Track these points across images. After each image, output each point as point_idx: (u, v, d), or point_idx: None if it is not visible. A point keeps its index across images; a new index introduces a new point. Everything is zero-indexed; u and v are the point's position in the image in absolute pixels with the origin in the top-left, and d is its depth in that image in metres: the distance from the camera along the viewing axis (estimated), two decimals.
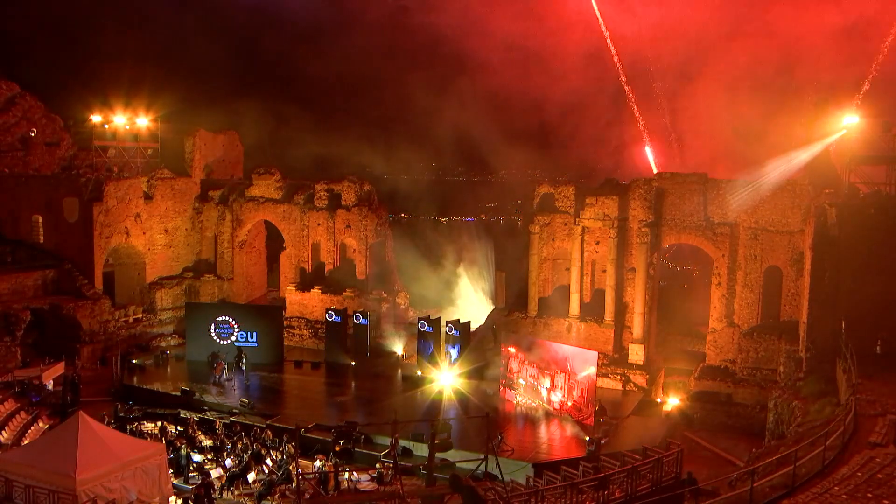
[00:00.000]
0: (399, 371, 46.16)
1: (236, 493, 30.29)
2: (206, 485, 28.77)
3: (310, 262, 53.10)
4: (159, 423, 37.42)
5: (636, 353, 43.51)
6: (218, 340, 47.39)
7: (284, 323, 50.18)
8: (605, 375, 42.26)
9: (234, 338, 47.41)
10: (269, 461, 32.53)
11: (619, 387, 42.79)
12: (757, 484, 18.68)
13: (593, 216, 44.47)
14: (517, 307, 47.03)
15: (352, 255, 52.54)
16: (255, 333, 47.50)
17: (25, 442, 31.90)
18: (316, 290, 52.01)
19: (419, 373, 44.41)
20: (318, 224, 52.54)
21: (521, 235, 48.41)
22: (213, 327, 47.65)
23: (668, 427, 37.64)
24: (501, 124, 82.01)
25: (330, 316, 47.91)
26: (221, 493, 30.38)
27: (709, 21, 67.45)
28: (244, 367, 44.31)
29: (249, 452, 33.37)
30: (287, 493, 29.57)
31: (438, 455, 29.30)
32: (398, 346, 47.90)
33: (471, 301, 60.15)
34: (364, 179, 53.68)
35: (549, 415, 38.42)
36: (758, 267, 41.59)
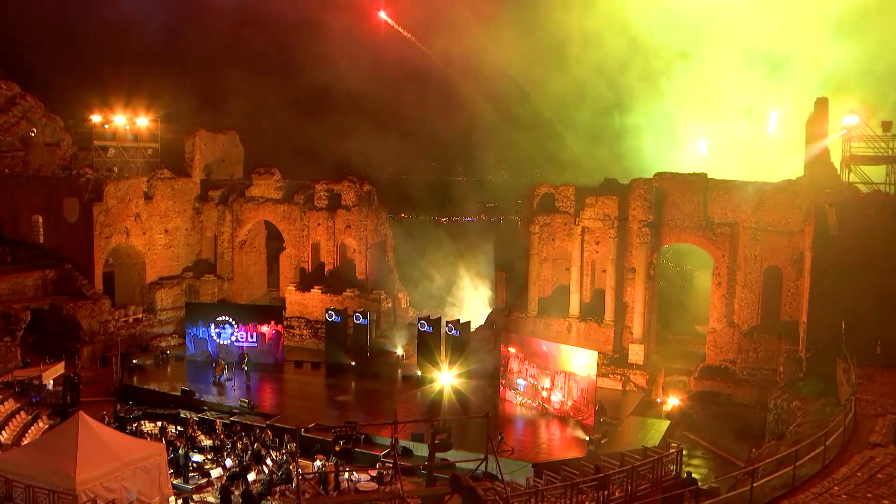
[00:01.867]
0: (399, 371, 46.17)
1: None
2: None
3: (310, 262, 53.10)
4: (159, 423, 37.40)
5: (636, 353, 43.51)
6: (218, 340, 47.41)
7: (284, 323, 50.18)
8: (605, 375, 42.26)
9: (234, 338, 47.41)
10: (269, 461, 32.52)
11: (619, 387, 42.79)
12: (757, 484, 18.68)
13: (593, 216, 44.47)
14: (517, 307, 47.02)
15: (352, 255, 52.54)
16: (254, 333, 47.50)
17: (25, 442, 31.88)
18: (316, 290, 52.00)
19: (419, 373, 44.41)
20: (318, 224, 52.54)
21: (521, 235, 48.40)
22: (212, 327, 47.66)
23: (668, 427, 37.61)
24: None
25: (330, 316, 47.90)
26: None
27: None
28: (245, 368, 44.31)
29: (249, 452, 33.36)
30: (287, 493, 29.55)
31: (438, 455, 29.30)
32: (398, 346, 47.90)
33: (471, 301, 60.16)
34: (364, 179, 53.72)
35: (549, 415, 38.41)
36: (758, 267, 41.58)
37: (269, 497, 29.73)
